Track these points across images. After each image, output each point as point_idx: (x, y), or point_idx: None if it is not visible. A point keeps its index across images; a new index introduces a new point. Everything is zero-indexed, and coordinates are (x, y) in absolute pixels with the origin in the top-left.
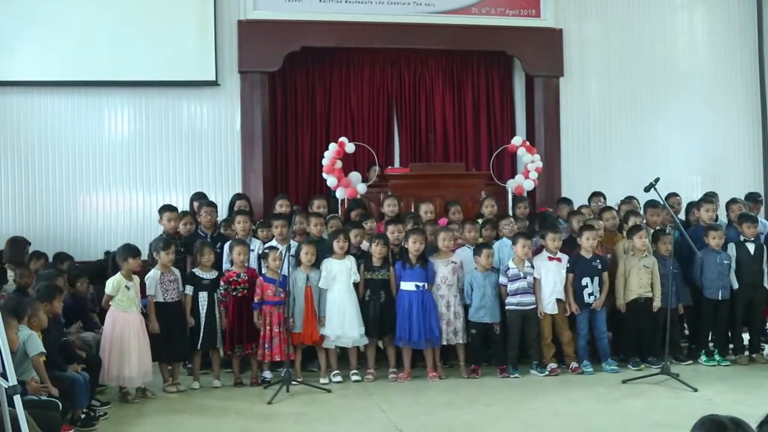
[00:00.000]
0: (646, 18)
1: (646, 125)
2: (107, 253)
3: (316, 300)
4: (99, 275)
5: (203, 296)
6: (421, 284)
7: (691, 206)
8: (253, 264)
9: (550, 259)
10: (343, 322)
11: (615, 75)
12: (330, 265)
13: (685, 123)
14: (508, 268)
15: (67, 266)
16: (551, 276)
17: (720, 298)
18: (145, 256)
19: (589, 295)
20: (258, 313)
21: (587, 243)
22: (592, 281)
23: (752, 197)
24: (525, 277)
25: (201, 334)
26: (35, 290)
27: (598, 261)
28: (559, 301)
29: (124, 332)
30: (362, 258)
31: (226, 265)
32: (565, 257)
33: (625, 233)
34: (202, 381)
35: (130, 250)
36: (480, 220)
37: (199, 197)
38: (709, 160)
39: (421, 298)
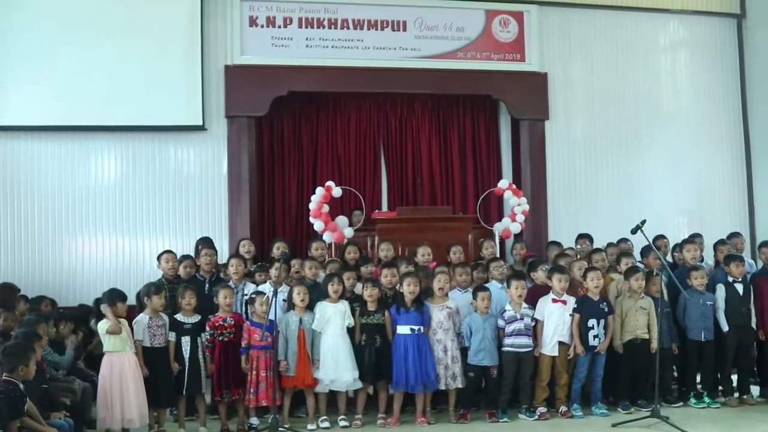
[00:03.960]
0: (630, 61)
1: (632, 167)
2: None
3: (309, 343)
4: (84, 320)
5: (186, 341)
6: (416, 328)
7: (676, 247)
8: (240, 308)
9: (554, 301)
10: (336, 366)
11: (600, 117)
12: (324, 308)
13: (671, 164)
14: (505, 311)
15: (49, 311)
16: (554, 318)
17: (703, 340)
18: (132, 301)
19: (594, 337)
20: (245, 358)
21: (592, 284)
22: (598, 323)
23: (733, 236)
24: (522, 319)
25: (185, 380)
26: (14, 337)
27: (604, 304)
28: (561, 343)
29: (123, 373)
30: (357, 302)
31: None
32: (571, 299)
33: (615, 275)
34: (188, 428)
35: (119, 295)
36: (473, 263)
37: (205, 242)
38: (694, 201)
39: (416, 341)
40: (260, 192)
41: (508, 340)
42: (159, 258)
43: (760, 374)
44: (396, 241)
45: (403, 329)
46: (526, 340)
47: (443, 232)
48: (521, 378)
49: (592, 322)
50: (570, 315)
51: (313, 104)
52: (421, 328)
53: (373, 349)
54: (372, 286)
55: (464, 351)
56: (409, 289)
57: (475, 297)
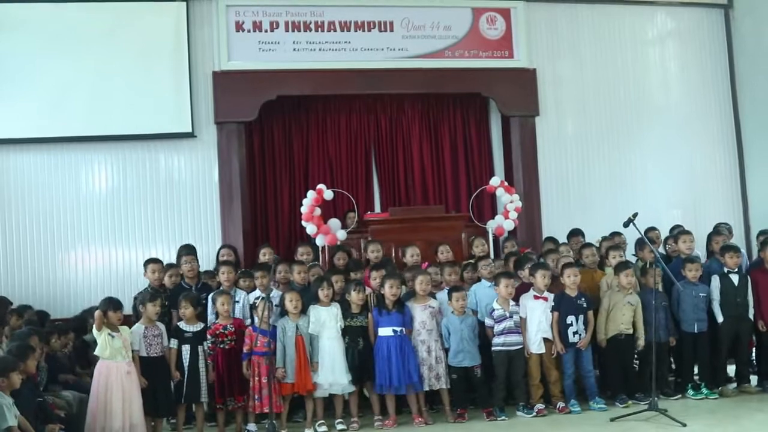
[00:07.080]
0: (618, 54)
1: (624, 161)
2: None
3: (308, 347)
4: (83, 331)
5: (186, 349)
6: (398, 329)
7: (668, 239)
8: (239, 314)
9: (536, 297)
10: (334, 370)
11: (590, 112)
12: (318, 312)
13: (663, 157)
14: (494, 310)
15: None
16: (537, 315)
17: (696, 331)
18: (128, 310)
19: (574, 333)
20: (247, 364)
21: (569, 281)
22: (576, 320)
23: (720, 225)
24: (511, 317)
25: (184, 388)
26: (7, 351)
27: (583, 299)
28: (545, 340)
29: (109, 382)
30: (343, 304)
31: (211, 317)
32: (551, 296)
33: (606, 269)
34: None
35: (111, 303)
36: (464, 262)
37: (186, 249)
38: (687, 194)
39: (399, 343)
40: (252, 197)
41: (498, 339)
42: (145, 266)
43: (757, 365)
44: (389, 242)
45: (385, 331)
46: (517, 338)
47: (436, 231)
48: (514, 375)
49: (570, 318)
50: (551, 312)
51: (302, 108)
52: (403, 329)
53: (355, 352)
54: (362, 290)
55: (448, 351)
56: (391, 291)
57: (450, 297)
